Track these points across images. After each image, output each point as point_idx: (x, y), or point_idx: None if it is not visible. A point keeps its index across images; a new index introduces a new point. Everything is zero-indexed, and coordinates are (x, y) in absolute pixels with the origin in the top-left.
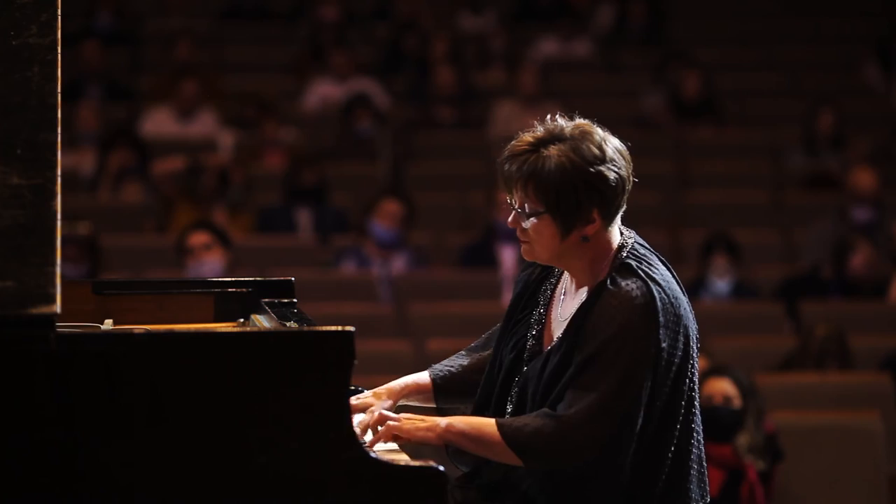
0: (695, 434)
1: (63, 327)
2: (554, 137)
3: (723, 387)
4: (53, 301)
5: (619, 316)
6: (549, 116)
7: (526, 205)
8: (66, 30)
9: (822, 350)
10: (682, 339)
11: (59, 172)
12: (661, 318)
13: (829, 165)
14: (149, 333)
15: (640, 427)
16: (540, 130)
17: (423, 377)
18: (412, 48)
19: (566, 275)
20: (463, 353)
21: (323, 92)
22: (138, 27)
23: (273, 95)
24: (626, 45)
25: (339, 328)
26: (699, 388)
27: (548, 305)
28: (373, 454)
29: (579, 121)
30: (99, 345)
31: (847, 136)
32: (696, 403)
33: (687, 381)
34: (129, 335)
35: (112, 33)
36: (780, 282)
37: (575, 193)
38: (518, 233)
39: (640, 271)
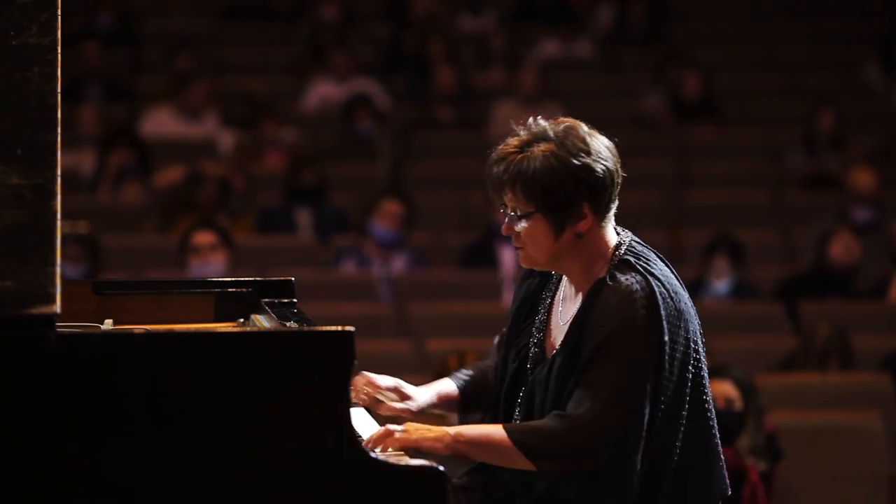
0: (712, 429)
1: (63, 327)
2: (538, 138)
3: (724, 389)
4: (53, 301)
5: (621, 311)
6: (532, 119)
7: (516, 208)
8: (66, 30)
9: (825, 349)
10: (683, 332)
11: (59, 172)
12: (663, 312)
13: (829, 165)
14: (149, 333)
15: (648, 422)
16: (525, 133)
17: (451, 386)
18: (412, 48)
19: (565, 280)
20: (478, 363)
21: (323, 92)
22: (138, 27)
23: (267, 94)
24: (626, 45)
25: (339, 328)
26: None
27: (548, 312)
28: (373, 454)
29: (563, 119)
30: (99, 345)
31: (847, 136)
32: (709, 398)
33: (690, 374)
34: (129, 335)
35: (112, 33)
36: (780, 282)
37: (563, 188)
38: (513, 240)
39: (638, 266)
